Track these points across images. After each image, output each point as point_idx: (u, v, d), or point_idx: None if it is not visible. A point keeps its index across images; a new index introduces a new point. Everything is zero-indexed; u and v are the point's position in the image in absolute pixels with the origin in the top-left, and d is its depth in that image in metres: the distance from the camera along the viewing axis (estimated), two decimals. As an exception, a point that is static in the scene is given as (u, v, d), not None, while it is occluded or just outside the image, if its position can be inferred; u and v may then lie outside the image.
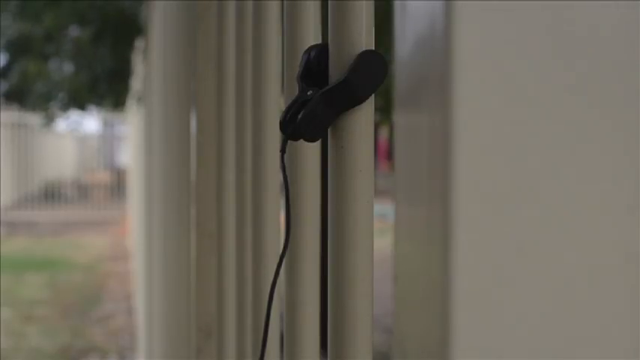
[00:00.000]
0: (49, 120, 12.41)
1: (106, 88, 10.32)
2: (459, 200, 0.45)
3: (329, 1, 0.64)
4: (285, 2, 0.77)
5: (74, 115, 14.85)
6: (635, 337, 0.46)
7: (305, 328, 0.75)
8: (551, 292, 0.46)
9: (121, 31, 8.28)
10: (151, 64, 3.86)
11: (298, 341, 0.75)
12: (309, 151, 0.75)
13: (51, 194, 18.78)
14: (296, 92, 0.67)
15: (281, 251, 0.75)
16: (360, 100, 0.62)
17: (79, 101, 11.53)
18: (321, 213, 0.74)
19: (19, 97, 11.66)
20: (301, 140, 0.70)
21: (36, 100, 11.14)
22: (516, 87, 0.45)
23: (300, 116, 0.64)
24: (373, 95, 0.63)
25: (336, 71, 0.63)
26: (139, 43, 6.37)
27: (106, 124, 22.98)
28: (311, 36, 0.74)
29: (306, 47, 0.68)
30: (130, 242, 10.37)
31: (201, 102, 1.40)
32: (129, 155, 11.62)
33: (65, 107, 11.92)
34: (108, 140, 23.62)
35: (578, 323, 0.46)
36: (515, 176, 0.45)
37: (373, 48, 0.62)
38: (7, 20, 10.09)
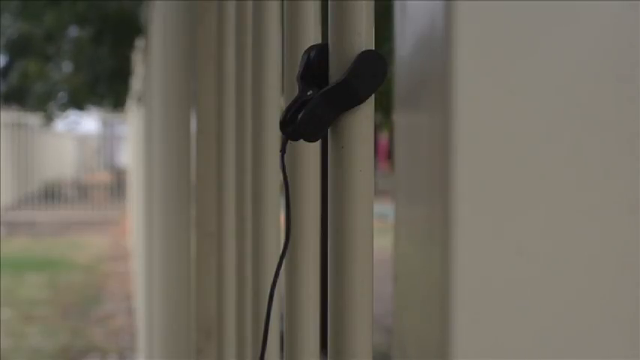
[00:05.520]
0: (49, 120, 12.40)
1: (106, 88, 10.32)
2: (459, 200, 0.45)
3: (329, 1, 0.64)
4: (285, 2, 0.77)
5: (74, 115, 14.85)
6: (635, 337, 0.46)
7: (305, 328, 0.75)
8: (550, 292, 0.46)
9: (121, 31, 8.29)
10: (151, 64, 3.86)
11: (298, 341, 0.75)
12: (309, 151, 0.75)
13: (51, 194, 18.78)
14: (296, 92, 0.67)
15: (281, 251, 0.75)
16: (360, 100, 0.62)
17: (78, 101, 11.53)
18: (321, 213, 0.74)
19: (19, 97, 11.67)
20: (301, 140, 0.70)
21: (36, 100, 11.14)
22: (516, 87, 0.45)
23: (300, 116, 0.64)
24: (373, 95, 0.63)
25: (336, 71, 0.63)
26: (139, 43, 6.37)
27: (106, 124, 22.98)
28: (311, 36, 0.74)
29: (306, 47, 0.68)
30: (130, 242, 10.37)
31: (201, 102, 1.40)
32: (129, 155, 11.63)
33: (64, 107, 11.91)
34: (108, 140, 23.62)
35: (578, 323, 0.46)
36: (515, 176, 0.45)
37: (373, 48, 0.62)
38: (7, 20, 10.09)
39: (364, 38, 0.62)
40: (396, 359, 0.52)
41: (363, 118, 0.63)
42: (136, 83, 6.56)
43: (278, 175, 0.92)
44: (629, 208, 0.46)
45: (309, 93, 0.65)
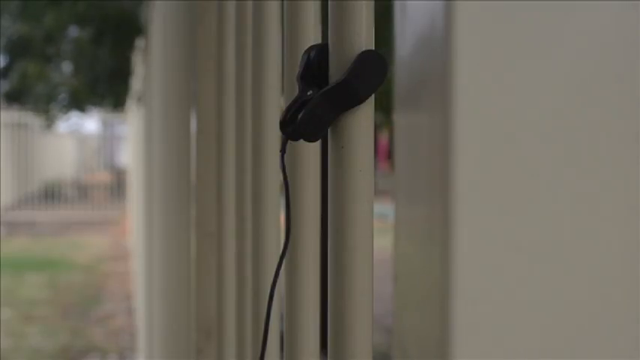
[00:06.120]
0: (50, 122, 12.41)
1: (106, 88, 10.32)
2: (459, 200, 0.45)
3: (329, 1, 0.64)
4: (285, 2, 0.77)
5: (74, 116, 14.86)
6: (635, 337, 0.46)
7: (305, 328, 0.75)
8: (551, 291, 0.46)
9: (121, 31, 8.29)
10: (150, 64, 3.86)
11: (298, 341, 0.75)
12: (309, 151, 0.75)
13: (51, 194, 18.78)
14: (296, 92, 0.67)
15: (281, 251, 0.75)
16: (360, 100, 0.62)
17: (79, 102, 11.54)
18: (321, 213, 0.74)
19: (19, 97, 11.67)
20: (301, 140, 0.70)
21: (36, 102, 11.15)
22: (516, 87, 0.45)
23: (300, 116, 0.64)
24: (373, 95, 0.63)
25: (336, 71, 0.63)
26: (139, 43, 6.37)
27: (106, 124, 22.98)
28: (311, 36, 0.74)
29: (306, 47, 0.68)
30: (130, 242, 10.37)
31: (201, 102, 1.40)
32: (129, 155, 11.63)
33: (65, 109, 11.93)
34: (108, 140, 23.62)
35: (578, 323, 0.46)
36: (515, 176, 0.45)
37: (373, 48, 0.62)
38: (8, 21, 10.09)
39: (364, 38, 0.62)
40: (396, 359, 0.52)
41: (363, 118, 0.63)
42: (136, 83, 6.55)
43: (278, 175, 0.92)
44: (629, 207, 0.46)
45: (309, 93, 0.65)
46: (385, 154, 18.41)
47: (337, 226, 0.63)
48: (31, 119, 16.61)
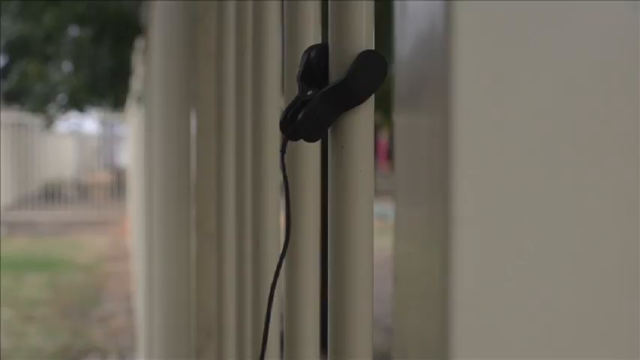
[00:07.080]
0: (49, 122, 12.41)
1: (105, 88, 10.32)
2: (459, 200, 0.45)
3: (329, 1, 0.64)
4: (285, 2, 0.77)
5: (74, 116, 14.85)
6: (635, 337, 0.46)
7: (305, 328, 0.75)
8: (550, 292, 0.46)
9: (121, 31, 8.29)
10: (151, 64, 3.86)
11: (298, 341, 0.75)
12: (309, 151, 0.75)
13: (51, 194, 18.77)
14: (296, 92, 0.67)
15: (281, 251, 0.75)
16: (360, 100, 0.62)
17: (78, 102, 11.53)
18: (321, 213, 0.74)
19: (19, 97, 11.66)
20: (301, 140, 0.70)
21: (35, 102, 11.14)
22: (516, 87, 0.45)
23: (300, 116, 0.64)
24: (373, 95, 0.63)
25: (336, 71, 0.63)
26: (139, 43, 6.37)
27: (106, 124, 22.98)
28: (311, 36, 0.74)
29: (306, 47, 0.68)
30: (130, 242, 10.37)
31: (201, 102, 1.40)
32: (129, 155, 11.62)
33: (65, 109, 11.93)
34: (108, 140, 23.61)
35: (578, 323, 0.46)
36: (515, 176, 0.45)
37: (373, 48, 0.62)
38: (7, 21, 10.08)
39: (364, 38, 0.62)
40: (396, 359, 0.52)
41: (363, 118, 0.63)
42: (136, 83, 6.56)
43: (278, 175, 0.92)
44: (629, 207, 0.46)
45: (309, 93, 0.65)
46: (385, 154, 18.41)
47: (337, 226, 0.63)
48: (31, 119, 16.61)
